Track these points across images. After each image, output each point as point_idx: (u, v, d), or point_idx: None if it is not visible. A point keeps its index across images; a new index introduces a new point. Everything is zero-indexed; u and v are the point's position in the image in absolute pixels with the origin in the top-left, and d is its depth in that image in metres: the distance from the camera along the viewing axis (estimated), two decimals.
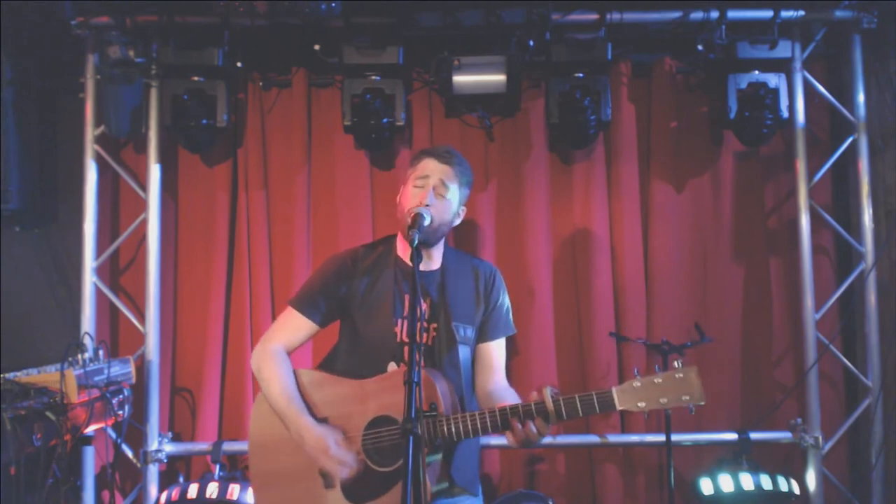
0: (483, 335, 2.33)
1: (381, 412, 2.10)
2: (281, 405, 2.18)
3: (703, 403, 1.89)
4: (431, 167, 2.26)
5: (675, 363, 1.92)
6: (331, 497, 2.11)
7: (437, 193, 2.23)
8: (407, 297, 2.24)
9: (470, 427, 1.98)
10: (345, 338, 2.35)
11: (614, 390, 1.92)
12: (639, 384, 1.91)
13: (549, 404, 1.92)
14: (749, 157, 3.60)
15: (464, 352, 2.25)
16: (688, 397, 1.89)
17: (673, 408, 1.92)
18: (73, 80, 3.46)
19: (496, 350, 2.34)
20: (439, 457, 2.07)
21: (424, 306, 2.25)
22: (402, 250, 2.31)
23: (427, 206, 2.18)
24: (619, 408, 1.91)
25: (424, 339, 2.23)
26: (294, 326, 2.32)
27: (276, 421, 2.21)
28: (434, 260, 2.33)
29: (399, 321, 2.22)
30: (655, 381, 1.91)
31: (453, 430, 1.99)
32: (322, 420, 2.16)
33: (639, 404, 1.90)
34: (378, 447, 2.09)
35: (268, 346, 2.30)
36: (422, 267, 2.27)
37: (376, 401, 2.10)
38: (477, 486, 2.30)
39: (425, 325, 2.24)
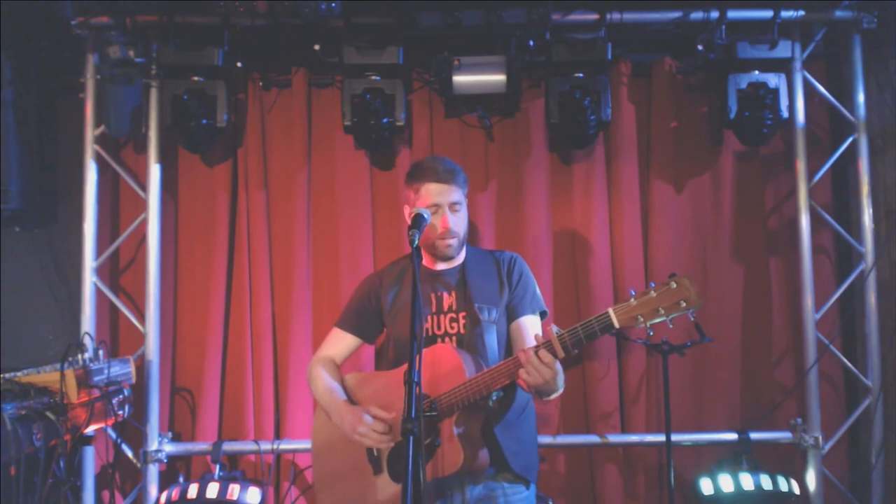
0: (512, 313, 2.41)
1: None
2: (324, 397, 2.39)
3: (700, 305, 1.86)
4: (437, 192, 2.35)
5: (668, 278, 1.90)
6: (380, 482, 2.24)
7: (454, 211, 2.37)
8: (433, 296, 2.39)
9: (489, 380, 2.07)
10: (385, 343, 2.54)
11: (611, 310, 1.93)
12: (634, 301, 1.90)
13: (554, 337, 1.98)
14: (749, 157, 3.60)
15: (489, 333, 2.34)
16: (685, 303, 1.85)
17: (672, 317, 1.87)
18: (73, 80, 3.46)
19: (527, 324, 2.39)
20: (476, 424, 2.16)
21: (451, 299, 2.39)
22: (426, 260, 2.45)
23: (455, 233, 2.35)
24: (617, 325, 1.91)
25: (456, 329, 2.35)
26: (336, 341, 2.53)
27: (331, 427, 2.35)
28: (457, 258, 2.46)
29: (428, 317, 2.37)
30: (651, 294, 1.89)
31: (475, 390, 2.07)
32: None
33: (638, 318, 1.89)
34: None
35: (316, 357, 2.53)
36: (444, 266, 2.44)
37: None
38: (534, 475, 2.37)
39: (455, 315, 2.37)
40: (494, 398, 2.13)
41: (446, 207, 2.35)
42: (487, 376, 2.08)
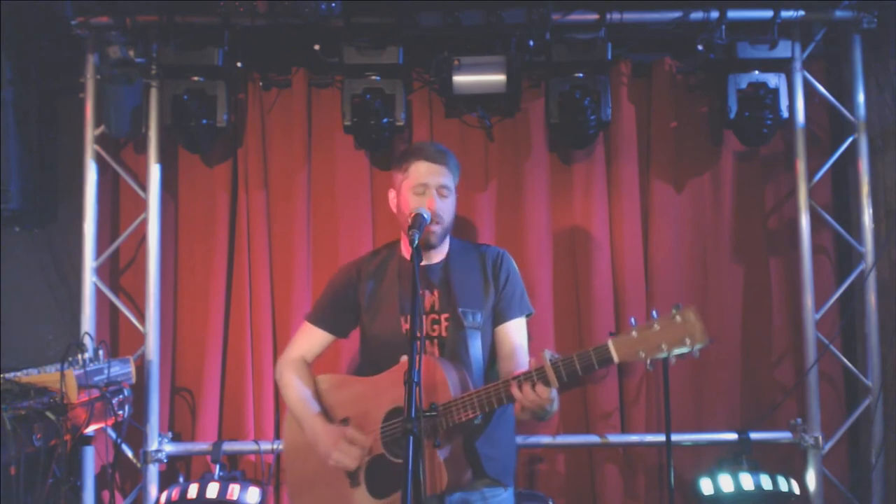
0: (498, 317, 2.32)
1: (395, 404, 2.12)
2: (297, 408, 2.29)
3: (706, 342, 1.75)
4: (426, 172, 2.26)
5: (673, 308, 1.80)
6: (357, 495, 2.16)
7: (441, 196, 2.26)
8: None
9: (476, 403, 1.98)
10: (362, 342, 2.42)
11: (610, 342, 1.83)
12: (636, 334, 1.80)
13: (549, 368, 1.89)
14: (749, 157, 3.59)
15: (473, 338, 2.25)
16: (690, 339, 1.75)
17: (675, 354, 1.77)
18: (73, 80, 3.46)
19: (514, 330, 2.32)
20: (459, 441, 2.09)
21: (433, 299, 2.27)
22: (406, 251, 2.32)
23: (440, 216, 2.22)
24: (617, 360, 1.82)
25: (438, 332, 2.25)
26: (309, 337, 2.42)
27: (303, 431, 2.27)
28: (440, 253, 2.34)
29: (407, 317, 2.24)
30: (654, 327, 1.78)
31: (461, 412, 1.99)
32: (343, 421, 2.21)
33: (639, 354, 1.79)
34: (395, 439, 2.10)
35: (286, 357, 2.41)
36: (427, 261, 2.32)
37: (389, 394, 2.13)
38: (511, 477, 2.30)
39: (437, 316, 2.26)
40: (480, 417, 2.06)
41: (434, 190, 2.24)
42: (475, 399, 1.99)
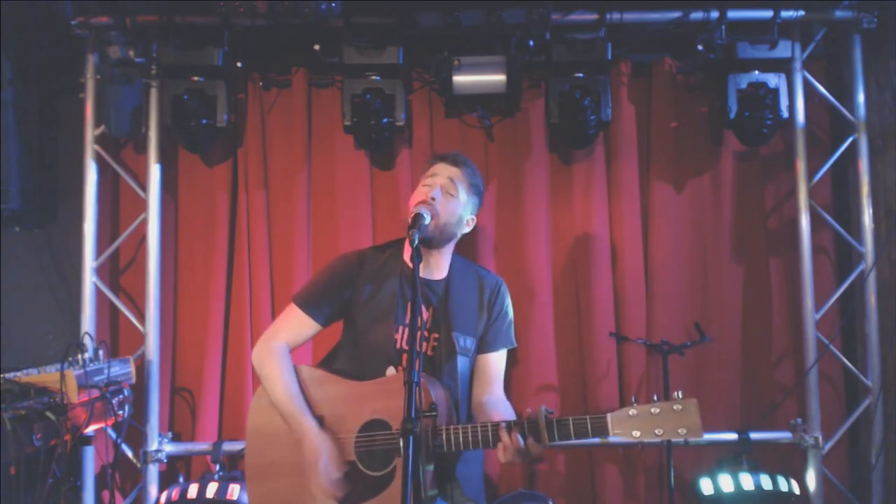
0: (483, 346, 2.34)
1: (375, 416, 2.12)
2: (284, 404, 2.21)
3: (700, 438, 1.87)
4: (441, 168, 2.30)
5: (676, 394, 1.90)
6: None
7: (445, 191, 2.25)
8: (410, 305, 2.25)
9: (461, 440, 1.99)
10: (346, 339, 2.37)
11: (609, 416, 1.91)
12: (635, 412, 1.90)
13: (542, 423, 1.93)
14: (749, 157, 3.60)
15: (462, 362, 2.27)
16: (684, 430, 1.87)
17: (669, 440, 1.87)
18: (73, 80, 3.46)
19: (495, 361, 2.35)
20: (430, 467, 2.07)
21: (427, 315, 2.27)
22: (409, 254, 2.30)
23: (432, 199, 2.20)
24: (612, 434, 1.90)
25: (425, 349, 2.24)
26: (297, 324, 2.33)
27: (276, 414, 2.23)
28: (440, 268, 2.34)
29: (400, 328, 2.24)
30: (652, 410, 1.90)
31: (444, 441, 1.99)
32: (318, 418, 2.18)
33: (633, 433, 1.89)
34: (370, 450, 2.11)
35: (271, 342, 2.31)
36: (428, 276, 2.31)
37: (371, 404, 2.13)
38: (483, 497, 2.31)
39: (426, 334, 2.25)
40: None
41: (439, 183, 2.25)
42: (461, 435, 1.98)
